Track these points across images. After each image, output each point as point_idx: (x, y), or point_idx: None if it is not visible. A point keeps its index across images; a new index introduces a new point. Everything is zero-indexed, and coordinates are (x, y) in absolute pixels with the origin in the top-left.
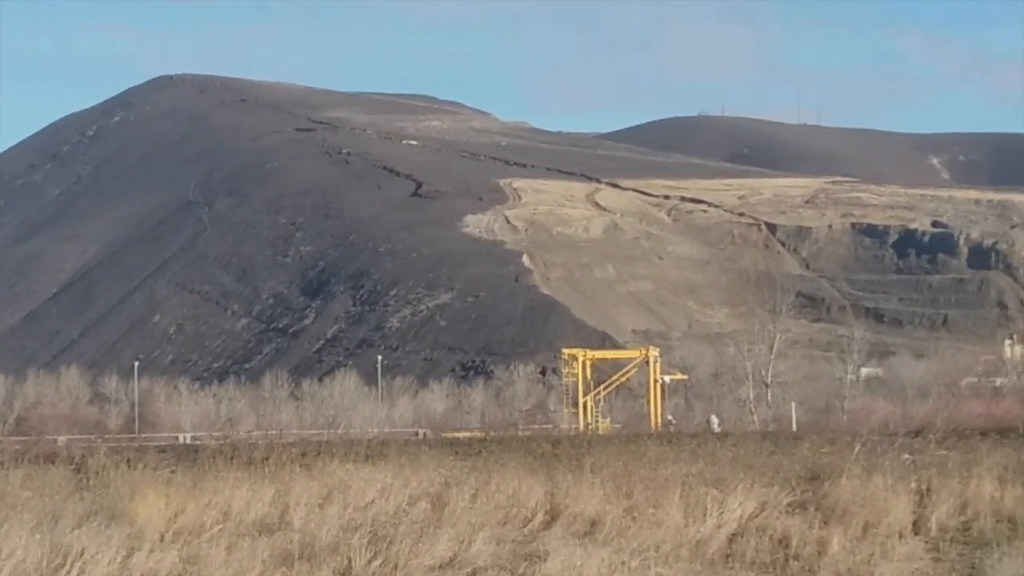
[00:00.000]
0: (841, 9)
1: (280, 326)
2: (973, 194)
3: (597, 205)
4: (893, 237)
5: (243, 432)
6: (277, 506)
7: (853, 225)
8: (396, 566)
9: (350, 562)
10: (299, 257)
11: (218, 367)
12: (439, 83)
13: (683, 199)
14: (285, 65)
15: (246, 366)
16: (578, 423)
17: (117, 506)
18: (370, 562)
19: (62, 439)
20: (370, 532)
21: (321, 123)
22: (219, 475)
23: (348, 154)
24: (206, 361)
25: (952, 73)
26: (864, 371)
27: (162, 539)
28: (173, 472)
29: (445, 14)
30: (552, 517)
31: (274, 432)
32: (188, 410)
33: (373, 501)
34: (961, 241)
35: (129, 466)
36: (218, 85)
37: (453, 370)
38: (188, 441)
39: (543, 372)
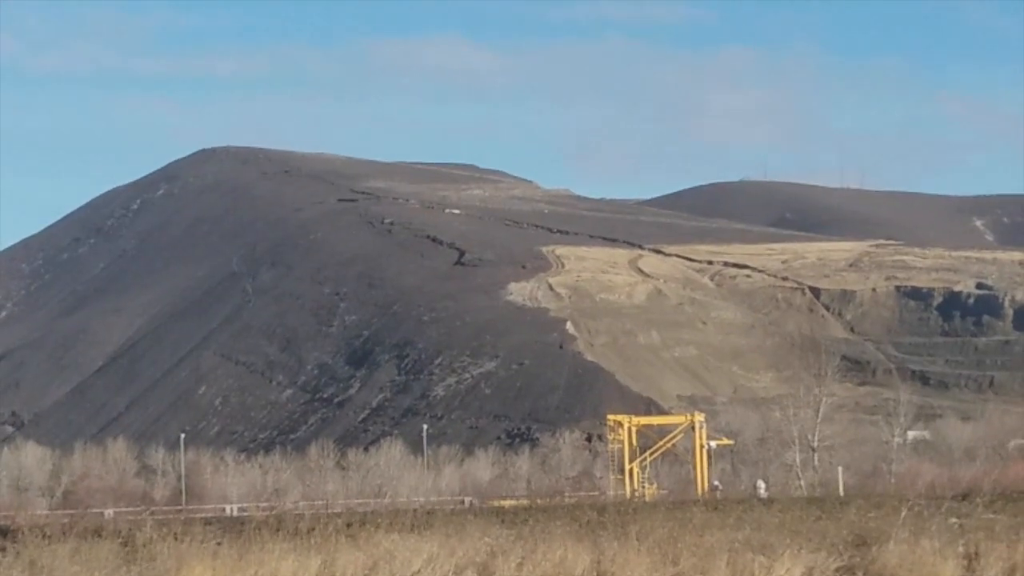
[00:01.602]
0: (881, 72)
1: (325, 396)
2: (1017, 255)
3: (640, 271)
4: (938, 300)
5: (289, 503)
6: None
7: (897, 288)
8: None
9: None
10: (343, 327)
11: (264, 438)
12: (481, 152)
13: (726, 264)
14: (327, 136)
15: (292, 437)
16: (624, 489)
17: None
18: None
19: (109, 512)
20: None
21: (363, 193)
22: (265, 546)
23: (391, 224)
24: (252, 432)
25: (994, 135)
26: (911, 434)
27: None
28: (219, 544)
29: (485, 82)
30: None
31: (320, 502)
32: (234, 481)
33: (419, 571)
34: (1006, 303)
35: (176, 539)
36: (260, 157)
37: (499, 438)
38: (234, 513)
39: (588, 439)
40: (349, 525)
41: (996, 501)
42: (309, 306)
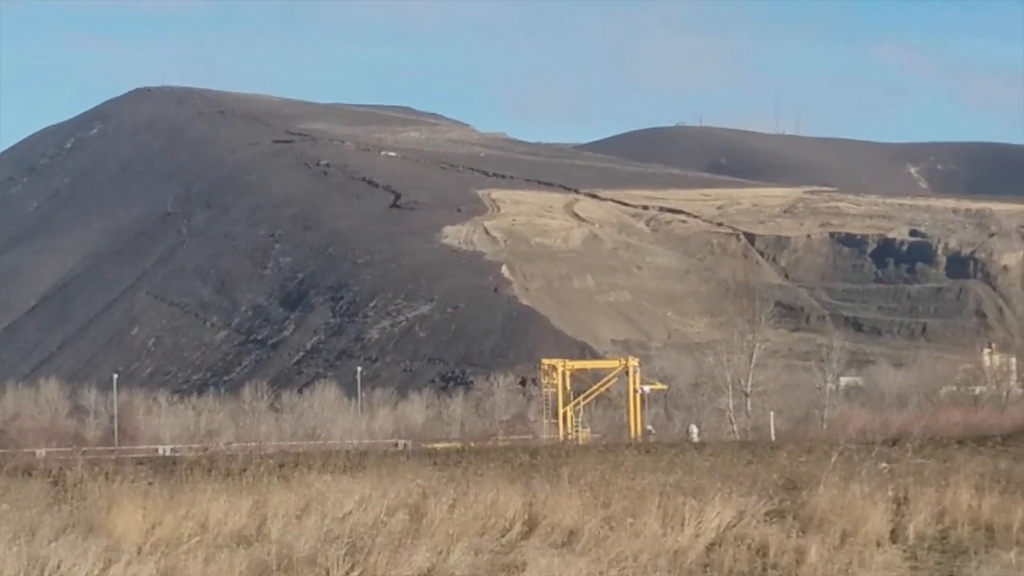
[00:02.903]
0: (818, 19)
1: (259, 338)
2: (951, 203)
3: (576, 216)
4: (872, 246)
5: (222, 444)
6: (255, 518)
7: (832, 235)
8: None
9: (328, 573)
10: (278, 269)
11: (197, 379)
12: (417, 94)
13: (662, 209)
14: (262, 76)
15: (225, 378)
16: (558, 433)
17: (95, 519)
18: (347, 573)
19: (41, 452)
20: (348, 543)
21: (299, 135)
22: (197, 487)
23: (327, 165)
24: (185, 373)
25: (929, 83)
26: (843, 380)
27: (139, 551)
28: (151, 484)
29: (422, 25)
30: (530, 527)
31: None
32: (167, 422)
33: (351, 512)
34: (939, 250)
35: (107, 479)
36: (196, 97)
37: (433, 381)
38: (167, 453)
39: (523, 383)
40: (281, 466)
41: (926, 447)
42: (244, 248)
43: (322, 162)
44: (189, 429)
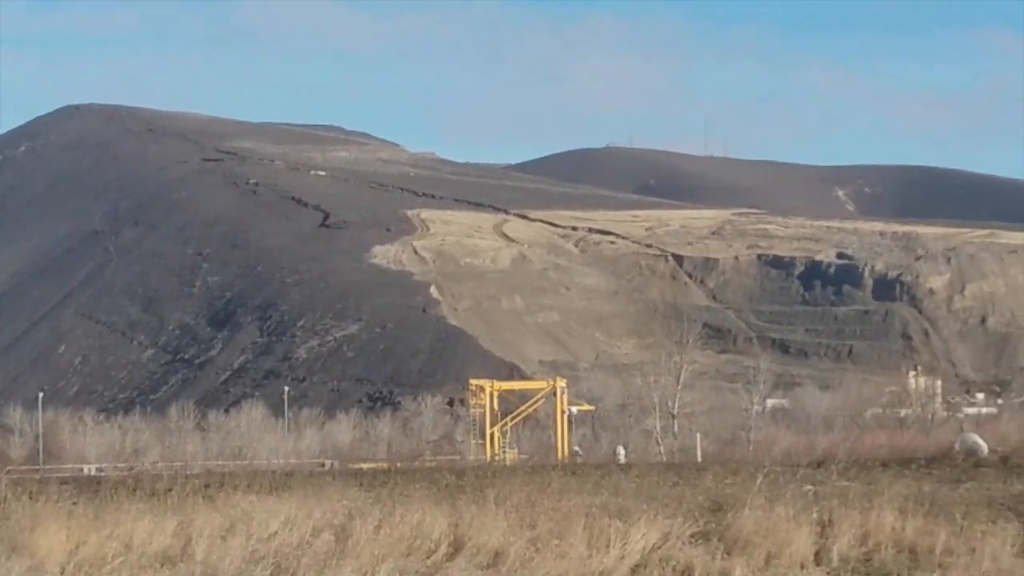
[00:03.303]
0: (746, 43)
1: (187, 357)
2: (878, 226)
3: (505, 236)
4: (799, 269)
5: (148, 463)
6: (179, 538)
7: (759, 256)
8: None
9: None
10: (206, 288)
11: (124, 398)
12: (347, 114)
13: (591, 230)
14: (192, 95)
15: (152, 397)
16: (485, 454)
17: (17, 538)
18: None
19: None
20: (273, 563)
21: (228, 153)
22: (121, 507)
23: (256, 184)
24: (112, 392)
25: (857, 106)
26: (770, 402)
27: (63, 572)
28: (75, 504)
29: (352, 45)
30: (456, 548)
31: (179, 463)
32: (93, 441)
33: (276, 532)
34: (866, 273)
35: (31, 498)
36: (125, 115)
37: (360, 401)
38: (92, 473)
39: (450, 403)
40: (207, 486)
41: (850, 469)
42: (172, 266)
43: (251, 181)
44: (115, 448)
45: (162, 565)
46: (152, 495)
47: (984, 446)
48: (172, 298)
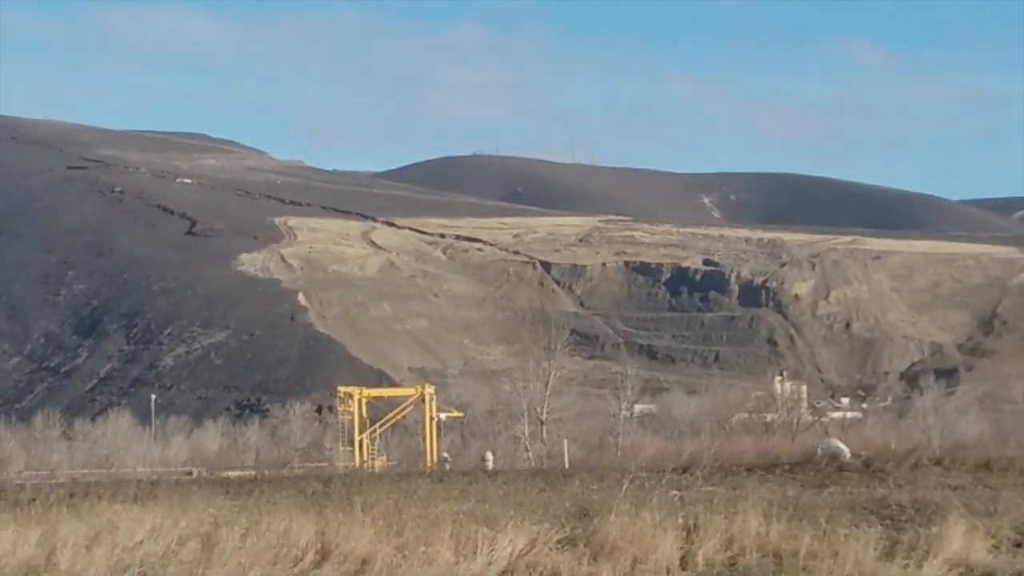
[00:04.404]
0: (612, 52)
1: (52, 365)
2: (744, 233)
3: (373, 243)
4: (666, 275)
5: (12, 473)
6: (43, 548)
7: (627, 263)
8: None
9: None
10: (71, 296)
11: None
12: (213, 122)
13: (458, 237)
14: (56, 103)
15: (17, 406)
16: (354, 461)
17: None
18: None
19: None
20: (139, 573)
21: (93, 161)
22: None
23: (121, 192)
24: None
25: (721, 115)
26: (637, 408)
27: None
28: None
29: (217, 52)
30: (323, 556)
31: (44, 473)
32: None
33: (142, 542)
34: (732, 279)
35: None
36: None
37: (228, 409)
38: None
39: (319, 410)
40: (72, 496)
41: (716, 474)
42: (36, 274)
43: (117, 189)
44: None
45: (26, 575)
46: (15, 505)
47: (846, 450)
48: (37, 306)
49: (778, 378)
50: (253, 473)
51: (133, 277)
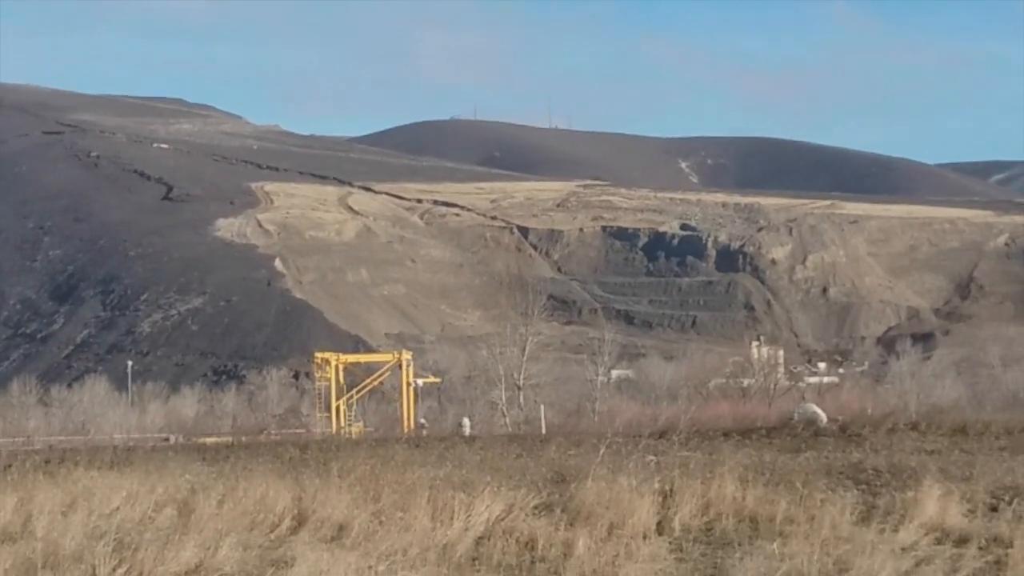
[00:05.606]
0: (589, 16)
1: (28, 331)
2: (721, 197)
3: (350, 209)
4: (643, 240)
5: None
6: (20, 515)
7: (604, 228)
8: (141, 573)
9: (94, 570)
10: (47, 262)
11: None
12: (189, 86)
13: (436, 203)
14: (31, 67)
15: None
16: (331, 427)
17: None
18: (115, 569)
19: None
20: (115, 539)
21: (70, 126)
22: None
23: (98, 157)
24: None
25: (699, 79)
26: (615, 373)
27: None
28: None
29: (194, 17)
30: (299, 522)
31: (21, 439)
32: None
33: (118, 508)
34: (709, 244)
35: None
36: None
37: (205, 375)
38: None
39: (296, 376)
40: (48, 462)
41: (692, 439)
42: (12, 240)
43: (93, 154)
44: None
45: (2, 542)
46: None
47: (823, 415)
48: (13, 272)
49: (755, 343)
50: (230, 439)
51: (109, 243)
